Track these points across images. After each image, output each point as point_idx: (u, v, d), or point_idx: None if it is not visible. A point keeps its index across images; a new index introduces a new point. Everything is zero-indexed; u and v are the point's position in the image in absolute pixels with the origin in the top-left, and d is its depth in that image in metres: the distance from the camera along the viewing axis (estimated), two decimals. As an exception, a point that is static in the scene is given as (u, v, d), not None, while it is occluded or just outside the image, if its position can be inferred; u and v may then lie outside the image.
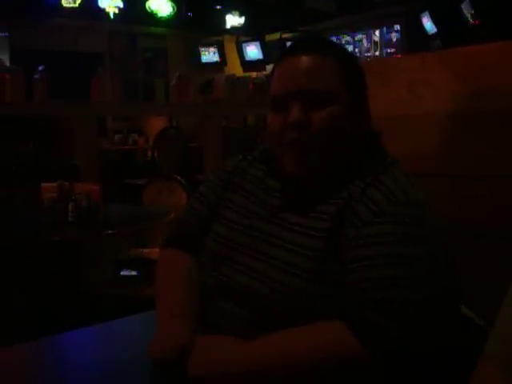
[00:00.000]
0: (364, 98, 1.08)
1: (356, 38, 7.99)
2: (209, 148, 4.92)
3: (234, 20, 8.19)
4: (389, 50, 7.56)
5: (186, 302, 1.08)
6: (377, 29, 7.69)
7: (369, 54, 7.79)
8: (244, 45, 8.70)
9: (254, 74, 7.39)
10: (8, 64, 5.77)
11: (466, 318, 1.03)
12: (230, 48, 8.91)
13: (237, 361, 0.92)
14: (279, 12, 7.57)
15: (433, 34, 6.71)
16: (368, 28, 7.79)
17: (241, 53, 8.76)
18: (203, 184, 1.23)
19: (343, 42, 7.92)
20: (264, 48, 8.44)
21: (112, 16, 6.99)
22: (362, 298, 0.88)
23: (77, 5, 6.79)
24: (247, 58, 8.71)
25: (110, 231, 2.65)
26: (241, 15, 8.14)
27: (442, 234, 0.97)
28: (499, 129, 1.39)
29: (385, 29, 7.60)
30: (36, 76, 4.03)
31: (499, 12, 5.66)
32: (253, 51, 8.60)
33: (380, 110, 1.18)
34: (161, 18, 7.36)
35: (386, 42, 7.62)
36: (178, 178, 3.54)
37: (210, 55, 8.88)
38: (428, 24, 6.72)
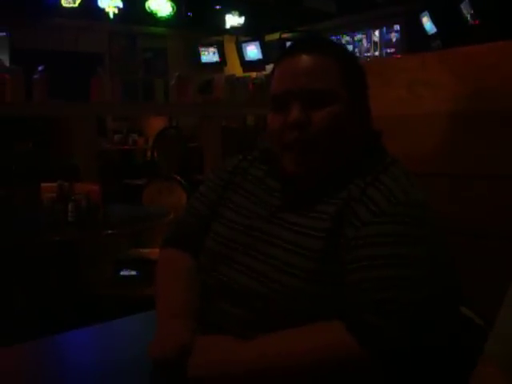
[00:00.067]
0: (364, 97, 1.08)
1: (356, 38, 7.99)
2: (208, 148, 4.92)
3: (233, 20, 8.19)
4: (388, 50, 7.56)
5: (186, 301, 1.07)
6: (376, 29, 7.69)
7: (368, 54, 7.79)
8: (244, 45, 8.70)
9: (253, 74, 7.40)
10: (8, 64, 5.79)
11: (466, 318, 1.03)
12: (230, 48, 8.91)
13: (236, 361, 0.92)
14: (279, 12, 7.57)
15: (433, 34, 6.70)
16: (368, 28, 7.79)
17: (240, 53, 8.76)
18: (203, 184, 1.22)
19: (343, 42, 7.91)
20: (264, 48, 8.44)
21: (112, 16, 6.99)
22: (362, 298, 0.88)
23: (76, 5, 6.79)
24: (247, 58, 8.71)
25: (109, 231, 2.65)
26: (240, 15, 8.14)
27: (442, 234, 0.96)
28: (499, 129, 1.39)
29: (384, 29, 7.61)
30: (36, 76, 4.03)
31: (499, 12, 5.66)
32: (252, 51, 8.60)
33: (380, 109, 1.18)
34: (160, 17, 7.37)
35: (385, 42, 7.63)
36: (178, 178, 3.54)
37: (209, 55, 8.88)
38: (428, 24, 6.72)
